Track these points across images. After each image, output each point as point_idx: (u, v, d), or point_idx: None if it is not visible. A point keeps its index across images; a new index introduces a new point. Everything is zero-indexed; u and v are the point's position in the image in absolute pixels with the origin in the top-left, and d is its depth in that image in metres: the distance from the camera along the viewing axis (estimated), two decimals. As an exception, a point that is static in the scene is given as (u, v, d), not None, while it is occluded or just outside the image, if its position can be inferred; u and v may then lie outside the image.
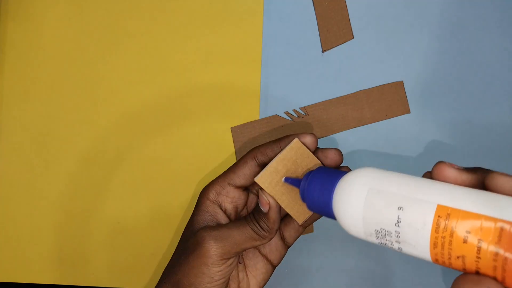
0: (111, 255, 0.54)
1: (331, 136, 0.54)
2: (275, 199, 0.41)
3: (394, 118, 0.54)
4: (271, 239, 0.42)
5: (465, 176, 0.30)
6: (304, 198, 0.37)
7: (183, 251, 0.45)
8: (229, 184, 0.45)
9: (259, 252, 0.47)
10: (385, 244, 0.30)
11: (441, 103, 0.54)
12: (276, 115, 0.54)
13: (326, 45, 0.54)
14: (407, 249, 0.29)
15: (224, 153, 0.54)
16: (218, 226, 0.44)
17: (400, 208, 0.29)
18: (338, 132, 0.54)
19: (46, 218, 0.54)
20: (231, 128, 0.54)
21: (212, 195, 0.46)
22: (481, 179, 0.29)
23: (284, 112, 0.54)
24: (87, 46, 0.55)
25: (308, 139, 0.42)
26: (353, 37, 0.54)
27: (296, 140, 0.42)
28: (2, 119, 0.55)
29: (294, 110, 0.54)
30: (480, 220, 0.26)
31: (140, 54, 0.55)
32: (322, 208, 0.35)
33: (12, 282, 0.54)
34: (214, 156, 0.54)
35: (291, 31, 0.55)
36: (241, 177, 0.45)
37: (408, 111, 0.54)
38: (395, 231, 0.29)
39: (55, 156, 0.55)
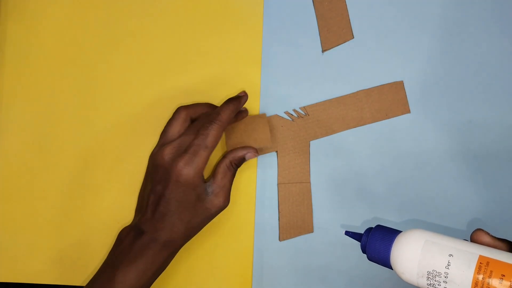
0: (111, 255, 0.54)
1: (331, 135, 0.54)
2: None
3: (394, 118, 0.54)
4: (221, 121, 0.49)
5: (498, 244, 0.38)
6: (365, 248, 0.43)
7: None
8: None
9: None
10: (433, 284, 0.37)
11: (441, 103, 0.54)
12: (276, 115, 0.54)
13: (326, 45, 0.54)
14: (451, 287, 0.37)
15: (224, 153, 0.54)
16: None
17: (450, 255, 0.37)
18: (338, 132, 0.54)
19: (46, 218, 0.54)
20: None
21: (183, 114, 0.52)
22: (508, 247, 0.38)
23: (284, 112, 0.54)
24: (87, 46, 0.55)
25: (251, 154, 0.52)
26: (353, 37, 0.54)
27: (264, 114, 0.53)
28: (2, 119, 0.55)
29: (294, 110, 0.54)
30: None
31: (140, 54, 0.55)
32: (381, 256, 0.41)
33: (12, 282, 0.54)
34: (214, 156, 0.54)
35: (291, 31, 0.55)
36: (176, 134, 0.51)
37: (408, 111, 0.54)
38: (444, 272, 0.37)
39: (55, 156, 0.55)
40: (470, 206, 0.53)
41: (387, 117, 0.54)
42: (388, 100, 0.54)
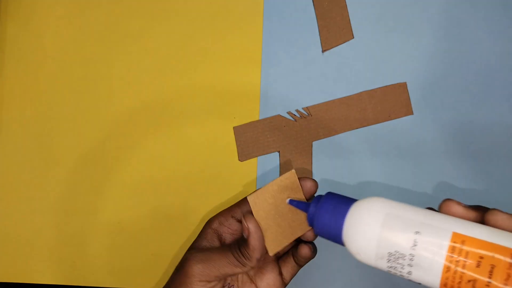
0: (111, 255, 0.54)
1: (334, 136, 0.54)
2: (258, 224, 0.42)
3: (397, 119, 0.54)
4: (252, 267, 0.43)
5: (471, 214, 0.33)
6: (313, 221, 0.38)
7: (173, 272, 0.47)
8: (232, 216, 0.47)
9: (256, 286, 0.46)
10: (395, 268, 0.32)
11: (441, 103, 0.54)
12: (279, 115, 0.54)
13: (326, 45, 0.54)
14: (417, 273, 0.31)
15: (224, 153, 0.54)
16: (204, 249, 0.45)
17: (417, 232, 0.31)
18: (341, 132, 0.54)
19: (46, 218, 0.55)
20: (233, 127, 0.54)
21: (215, 224, 0.47)
22: (482, 216, 0.32)
23: (287, 112, 0.54)
24: (87, 46, 0.56)
25: (309, 184, 0.44)
26: (353, 37, 0.54)
27: (293, 171, 0.44)
28: (2, 119, 0.55)
29: (297, 111, 0.54)
30: (493, 248, 0.29)
31: (140, 54, 0.55)
32: (332, 232, 0.36)
33: (12, 282, 0.55)
34: (214, 156, 0.54)
35: (291, 31, 0.55)
36: (244, 212, 0.46)
37: (411, 113, 0.54)
38: (409, 254, 0.31)
39: (55, 156, 0.55)
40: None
41: (389, 118, 0.53)
42: (391, 102, 0.53)
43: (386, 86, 0.54)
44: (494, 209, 0.32)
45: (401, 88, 0.54)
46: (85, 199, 0.55)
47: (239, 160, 0.54)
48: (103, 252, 0.54)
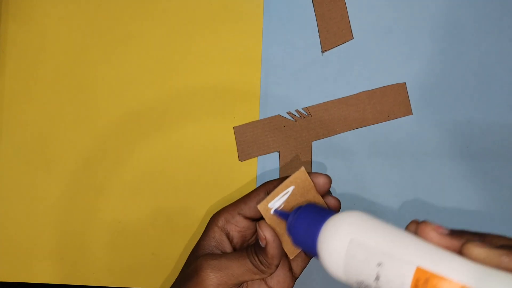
0: (112, 255, 0.54)
1: (333, 136, 0.54)
2: (274, 231, 0.40)
3: (396, 119, 0.54)
4: (271, 273, 0.41)
5: (448, 242, 0.29)
6: (290, 233, 0.37)
7: (184, 277, 0.44)
8: (239, 213, 0.45)
9: (266, 283, 0.45)
10: None
11: (441, 103, 0.54)
12: (279, 115, 0.54)
13: (325, 46, 0.54)
14: None
15: (224, 153, 0.54)
16: (219, 255, 0.43)
17: (379, 264, 0.28)
18: (340, 132, 0.54)
19: (46, 218, 0.55)
20: (233, 127, 0.54)
21: (221, 222, 0.45)
22: (461, 245, 0.29)
23: (287, 112, 0.54)
24: (88, 46, 0.56)
25: (322, 180, 0.42)
26: (353, 38, 0.54)
27: (302, 169, 0.41)
28: (3, 119, 0.55)
29: (297, 111, 0.54)
30: None
31: (140, 54, 0.55)
32: (307, 247, 0.35)
33: (12, 282, 0.55)
34: (214, 155, 0.54)
35: (291, 31, 0.55)
36: (251, 208, 0.44)
37: (410, 113, 0.54)
38: (374, 286, 0.28)
39: (55, 156, 0.55)
40: (470, 206, 0.53)
41: (389, 118, 0.54)
42: (390, 102, 0.54)
43: (385, 86, 0.54)
44: (471, 241, 0.28)
45: (401, 88, 0.54)
46: (86, 199, 0.55)
47: (239, 160, 0.54)
48: (104, 251, 0.54)
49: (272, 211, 0.40)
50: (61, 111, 0.55)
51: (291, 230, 0.37)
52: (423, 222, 0.30)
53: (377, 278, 0.28)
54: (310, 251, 0.35)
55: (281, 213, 0.39)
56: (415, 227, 0.31)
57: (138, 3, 0.55)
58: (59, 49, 0.56)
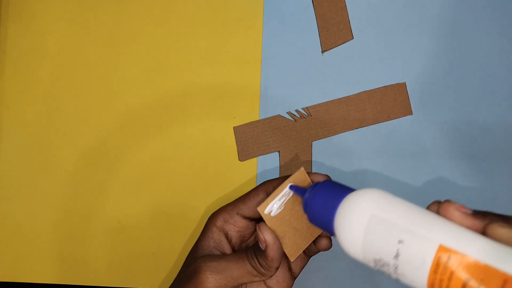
0: (112, 254, 0.54)
1: (333, 136, 0.54)
2: (274, 234, 0.40)
3: (396, 119, 0.54)
4: (271, 276, 0.41)
5: (471, 222, 0.29)
6: (306, 209, 0.37)
7: (182, 278, 0.44)
8: (237, 213, 0.45)
9: (265, 283, 0.45)
10: (383, 272, 0.29)
11: (441, 103, 0.54)
12: (279, 115, 0.54)
13: (325, 46, 0.54)
14: (405, 281, 0.28)
15: (224, 153, 0.54)
16: (218, 257, 0.43)
17: (400, 241, 0.27)
18: (340, 132, 0.54)
19: (46, 218, 0.55)
20: (233, 127, 0.54)
21: (219, 222, 0.45)
22: (484, 226, 0.29)
23: (287, 112, 0.54)
24: (88, 46, 0.56)
25: (321, 180, 0.41)
26: (353, 38, 0.54)
27: (302, 169, 0.41)
28: (2, 119, 0.55)
29: (297, 111, 0.54)
30: (482, 269, 0.25)
31: (140, 54, 0.55)
32: (323, 223, 0.34)
33: (12, 282, 0.55)
34: (214, 155, 0.54)
35: (291, 31, 0.55)
36: (250, 208, 0.44)
37: (410, 113, 0.54)
38: (393, 264, 0.28)
39: (55, 156, 0.55)
40: (470, 206, 0.52)
41: (389, 118, 0.54)
42: (390, 102, 0.54)
43: (385, 86, 0.54)
44: (495, 222, 0.28)
45: (401, 88, 0.54)
46: (86, 198, 0.55)
47: (239, 160, 0.54)
48: (104, 251, 0.54)
49: (272, 213, 0.40)
50: (61, 111, 0.55)
51: (307, 206, 0.36)
52: (446, 201, 0.30)
53: (397, 255, 0.27)
54: (326, 228, 0.34)
55: (296, 189, 0.39)
56: (437, 207, 0.31)
57: (138, 3, 0.55)
58: (59, 49, 0.56)
